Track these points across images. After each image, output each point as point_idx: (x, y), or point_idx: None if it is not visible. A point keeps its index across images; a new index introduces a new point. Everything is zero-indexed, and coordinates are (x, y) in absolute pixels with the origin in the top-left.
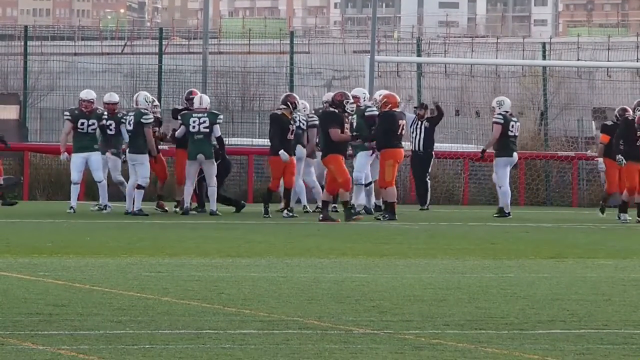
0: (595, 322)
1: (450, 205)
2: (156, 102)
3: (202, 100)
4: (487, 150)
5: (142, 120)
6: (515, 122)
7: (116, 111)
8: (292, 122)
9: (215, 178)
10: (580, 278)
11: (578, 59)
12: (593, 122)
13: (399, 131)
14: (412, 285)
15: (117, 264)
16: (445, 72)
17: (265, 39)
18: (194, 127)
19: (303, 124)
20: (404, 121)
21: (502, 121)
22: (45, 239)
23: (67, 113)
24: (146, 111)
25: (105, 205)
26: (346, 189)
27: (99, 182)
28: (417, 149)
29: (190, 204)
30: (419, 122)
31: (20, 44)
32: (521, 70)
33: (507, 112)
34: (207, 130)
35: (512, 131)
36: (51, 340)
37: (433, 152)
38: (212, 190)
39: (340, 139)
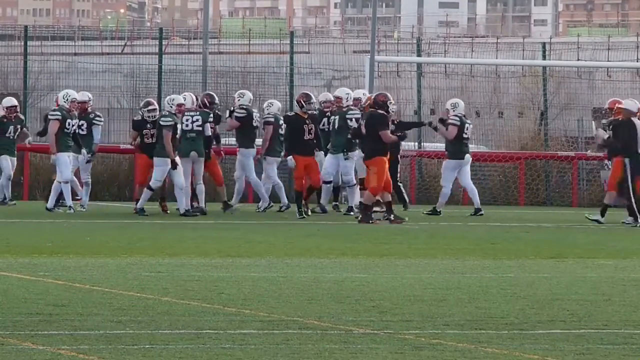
0: (595, 322)
1: (450, 205)
2: (152, 107)
3: (192, 99)
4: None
5: (160, 122)
6: (470, 124)
7: (88, 111)
8: (307, 122)
9: (201, 178)
10: (580, 278)
11: (578, 59)
12: (593, 122)
13: None
14: (412, 285)
15: (117, 264)
16: (445, 72)
17: (265, 39)
18: (187, 125)
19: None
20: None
21: (458, 123)
22: (45, 239)
23: (57, 113)
24: (166, 113)
25: (70, 206)
26: (374, 194)
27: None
28: None
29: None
30: None
31: (20, 44)
32: (521, 70)
33: (462, 114)
34: (200, 128)
35: (466, 133)
36: (51, 340)
37: (399, 157)
38: (200, 189)
39: (391, 141)
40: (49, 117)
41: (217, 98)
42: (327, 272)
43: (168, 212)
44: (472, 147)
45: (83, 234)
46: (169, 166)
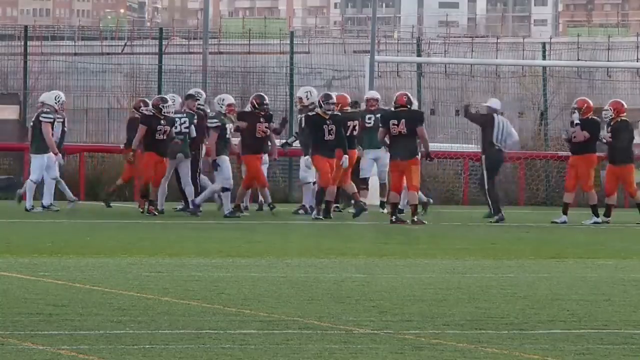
0: (595, 322)
1: (450, 205)
2: (169, 103)
3: (179, 101)
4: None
5: (207, 123)
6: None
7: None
8: (327, 123)
9: (189, 179)
10: (580, 278)
11: (578, 59)
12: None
13: (348, 132)
14: (412, 285)
15: (117, 264)
16: (445, 72)
17: (265, 39)
18: (175, 127)
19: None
20: (356, 122)
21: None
22: (45, 239)
23: (50, 116)
24: (212, 114)
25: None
26: (417, 192)
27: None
28: None
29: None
30: None
31: (20, 44)
32: (521, 70)
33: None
34: (187, 130)
35: None
36: (51, 340)
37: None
38: (190, 190)
39: (426, 139)
40: (42, 119)
41: (267, 98)
42: (327, 272)
43: (156, 213)
44: (472, 147)
45: (83, 234)
46: (225, 162)
